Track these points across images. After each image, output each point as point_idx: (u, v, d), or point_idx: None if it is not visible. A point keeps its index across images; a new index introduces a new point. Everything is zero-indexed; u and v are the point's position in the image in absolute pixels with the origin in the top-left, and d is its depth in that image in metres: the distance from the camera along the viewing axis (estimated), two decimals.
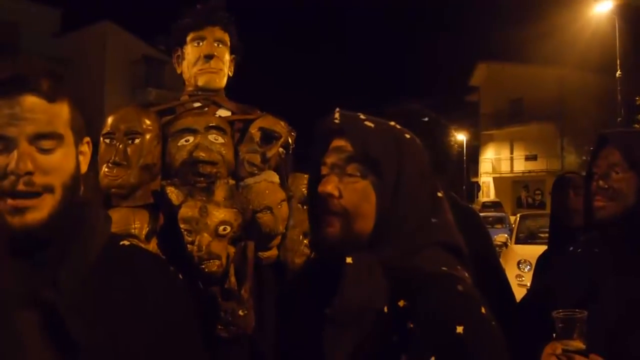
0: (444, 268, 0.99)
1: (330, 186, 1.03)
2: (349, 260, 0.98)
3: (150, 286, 1.01)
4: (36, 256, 0.94)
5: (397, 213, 1.01)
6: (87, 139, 1.03)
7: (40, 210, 0.91)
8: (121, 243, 1.08)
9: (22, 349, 0.88)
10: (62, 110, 0.95)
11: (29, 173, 0.89)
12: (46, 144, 0.91)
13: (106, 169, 1.64)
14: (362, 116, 1.09)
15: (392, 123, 1.11)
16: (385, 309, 0.95)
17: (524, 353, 1.31)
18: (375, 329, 0.94)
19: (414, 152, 1.07)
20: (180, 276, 1.12)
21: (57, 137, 0.93)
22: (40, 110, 0.91)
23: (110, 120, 1.69)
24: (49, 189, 0.92)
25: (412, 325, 0.93)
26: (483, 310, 0.95)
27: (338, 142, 1.06)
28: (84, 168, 1.02)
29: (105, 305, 0.95)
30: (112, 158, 1.63)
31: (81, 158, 1.01)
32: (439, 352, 0.90)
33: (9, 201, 0.89)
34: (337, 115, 1.07)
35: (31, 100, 0.90)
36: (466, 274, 1.02)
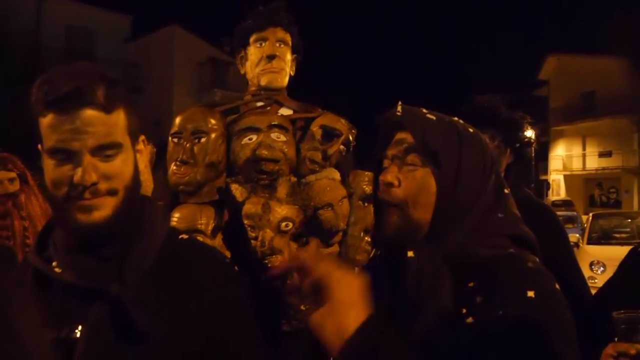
0: (511, 250, 1.00)
1: (389, 175, 1.05)
2: (410, 254, 0.99)
3: (207, 277, 1.06)
4: (102, 252, 1.00)
5: (458, 204, 1.01)
6: (142, 137, 1.08)
7: (105, 208, 0.97)
8: (180, 237, 1.13)
9: (93, 339, 0.94)
10: (119, 119, 1.00)
11: (94, 184, 0.95)
12: (107, 152, 0.97)
13: (174, 167, 1.71)
14: (424, 110, 1.10)
15: (456, 118, 1.11)
16: (452, 295, 0.95)
17: (585, 355, 1.27)
18: (441, 319, 0.94)
19: (477, 146, 1.07)
20: (236, 267, 1.16)
21: (117, 146, 0.98)
22: (99, 123, 0.96)
23: (177, 120, 1.76)
24: (113, 192, 0.98)
25: (480, 299, 0.93)
26: (556, 285, 0.94)
27: (400, 135, 1.08)
28: (141, 165, 1.07)
29: (166, 296, 1.00)
30: (180, 156, 1.70)
31: (138, 156, 1.06)
32: (507, 310, 0.89)
33: (77, 202, 0.96)
34: (399, 108, 1.09)
35: (90, 114, 0.95)
36: (536, 259, 1.01)
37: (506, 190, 1.08)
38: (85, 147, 0.95)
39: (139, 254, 1.01)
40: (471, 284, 0.96)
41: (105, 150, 0.97)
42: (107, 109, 0.97)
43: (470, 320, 0.92)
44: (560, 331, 0.89)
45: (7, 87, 14.07)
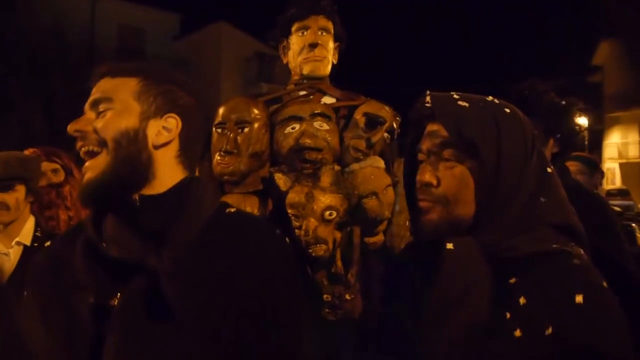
0: (555, 245, 0.94)
1: (427, 175, 1.01)
2: (449, 246, 0.95)
3: (255, 250, 1.05)
4: (145, 227, 1.01)
5: (500, 195, 0.96)
6: (171, 114, 1.07)
7: (95, 170, 1.01)
8: (227, 210, 1.12)
9: (127, 310, 0.96)
10: (125, 83, 1.05)
11: (78, 131, 1.02)
12: (100, 108, 1.04)
13: (218, 157, 1.73)
14: (455, 95, 1.03)
15: (490, 98, 1.04)
16: (490, 292, 0.91)
17: None
18: (480, 311, 0.90)
19: (516, 126, 1.00)
20: (287, 239, 1.15)
21: (106, 100, 1.04)
22: (102, 84, 1.05)
23: (221, 111, 1.77)
24: (102, 143, 1.01)
25: (524, 301, 0.89)
26: (604, 284, 0.89)
27: (432, 127, 1.03)
28: (160, 139, 1.05)
29: (210, 271, 1.00)
30: (224, 147, 1.72)
31: (159, 130, 1.05)
32: (557, 321, 0.85)
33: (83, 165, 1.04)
34: (427, 98, 1.03)
35: (100, 79, 1.06)
36: (582, 251, 0.95)
37: (549, 169, 1.01)
38: (87, 105, 1.05)
39: (181, 229, 1.01)
40: (512, 280, 0.92)
41: (98, 105, 1.04)
42: (113, 74, 1.06)
43: (518, 333, 0.87)
44: (611, 338, 0.85)
45: (65, 86, 14.57)
